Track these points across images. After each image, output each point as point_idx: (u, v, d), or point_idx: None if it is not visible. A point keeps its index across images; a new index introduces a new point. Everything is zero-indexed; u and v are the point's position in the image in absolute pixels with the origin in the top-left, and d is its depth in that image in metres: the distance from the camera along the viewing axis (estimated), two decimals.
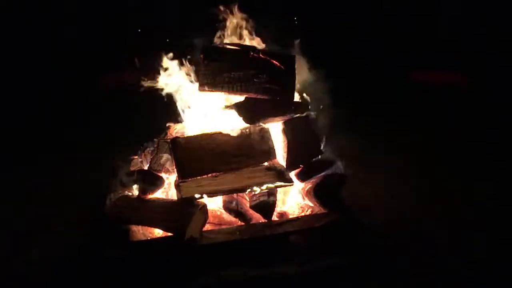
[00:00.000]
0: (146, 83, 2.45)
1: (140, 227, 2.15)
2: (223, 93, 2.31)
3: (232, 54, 2.33)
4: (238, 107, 2.26)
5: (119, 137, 3.53)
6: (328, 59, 2.55)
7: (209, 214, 2.19)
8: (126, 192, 2.32)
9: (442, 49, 5.82)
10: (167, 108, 2.54)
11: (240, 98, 2.30)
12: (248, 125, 2.26)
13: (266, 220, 2.19)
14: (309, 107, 2.51)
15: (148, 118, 3.06)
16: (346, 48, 5.49)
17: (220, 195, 2.17)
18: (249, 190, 2.14)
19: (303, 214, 2.35)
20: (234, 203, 2.22)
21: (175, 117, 2.56)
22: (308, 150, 2.42)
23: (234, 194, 2.22)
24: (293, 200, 2.44)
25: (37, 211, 2.74)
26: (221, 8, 2.47)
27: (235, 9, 2.47)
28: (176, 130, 2.50)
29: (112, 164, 2.43)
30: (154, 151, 2.36)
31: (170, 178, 2.37)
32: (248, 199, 2.25)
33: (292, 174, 2.32)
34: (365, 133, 3.72)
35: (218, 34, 2.51)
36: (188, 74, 2.48)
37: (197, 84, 2.31)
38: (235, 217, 2.21)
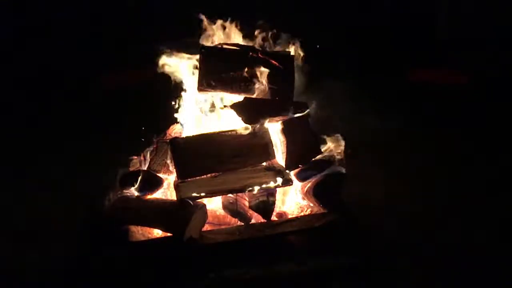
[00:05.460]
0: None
1: (139, 228, 2.15)
2: (222, 93, 2.30)
3: (231, 54, 2.33)
4: (237, 107, 2.25)
5: (118, 138, 3.52)
6: (327, 57, 2.54)
7: (209, 214, 2.19)
8: (126, 192, 2.32)
9: (441, 47, 5.80)
10: (166, 108, 2.54)
11: (239, 98, 2.30)
12: (247, 125, 2.25)
13: (266, 220, 2.19)
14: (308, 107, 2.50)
15: (147, 118, 3.06)
16: (345, 47, 5.47)
17: (219, 195, 2.17)
18: (248, 190, 2.14)
19: (302, 214, 2.34)
20: (233, 203, 2.22)
21: (174, 117, 2.56)
22: (307, 149, 2.42)
23: (234, 194, 2.22)
24: (293, 200, 2.44)
25: (37, 211, 2.74)
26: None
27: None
28: (175, 130, 2.50)
29: (111, 165, 2.43)
30: (153, 151, 2.36)
31: (169, 179, 2.38)
32: (247, 199, 2.25)
33: (292, 174, 2.31)
34: (364, 133, 3.71)
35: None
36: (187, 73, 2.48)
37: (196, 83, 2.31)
38: (234, 217, 2.21)
